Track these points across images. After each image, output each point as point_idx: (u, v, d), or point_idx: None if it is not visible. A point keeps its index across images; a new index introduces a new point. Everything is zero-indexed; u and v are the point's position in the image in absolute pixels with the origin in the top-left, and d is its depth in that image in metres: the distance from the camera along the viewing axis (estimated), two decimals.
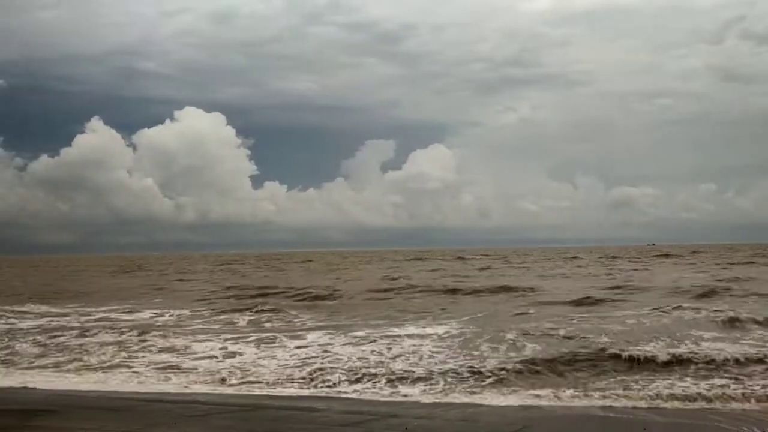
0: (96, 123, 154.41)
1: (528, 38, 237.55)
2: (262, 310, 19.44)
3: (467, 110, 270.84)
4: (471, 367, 10.32)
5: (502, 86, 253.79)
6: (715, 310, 15.51)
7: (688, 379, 9.37)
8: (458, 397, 8.77)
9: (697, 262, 49.42)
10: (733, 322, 14.06)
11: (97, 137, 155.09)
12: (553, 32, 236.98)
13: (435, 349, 11.93)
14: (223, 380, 10.14)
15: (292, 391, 9.44)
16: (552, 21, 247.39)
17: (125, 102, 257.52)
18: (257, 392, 9.38)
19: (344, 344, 12.74)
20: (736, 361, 10.18)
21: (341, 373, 10.23)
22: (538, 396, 8.75)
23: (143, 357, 12.26)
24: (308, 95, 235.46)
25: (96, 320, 18.46)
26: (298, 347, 12.69)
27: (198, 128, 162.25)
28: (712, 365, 10.01)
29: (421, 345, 12.39)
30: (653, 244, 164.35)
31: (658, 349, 11.02)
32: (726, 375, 9.53)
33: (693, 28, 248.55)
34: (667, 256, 62.47)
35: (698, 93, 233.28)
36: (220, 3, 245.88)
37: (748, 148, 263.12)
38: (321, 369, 10.50)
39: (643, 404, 8.21)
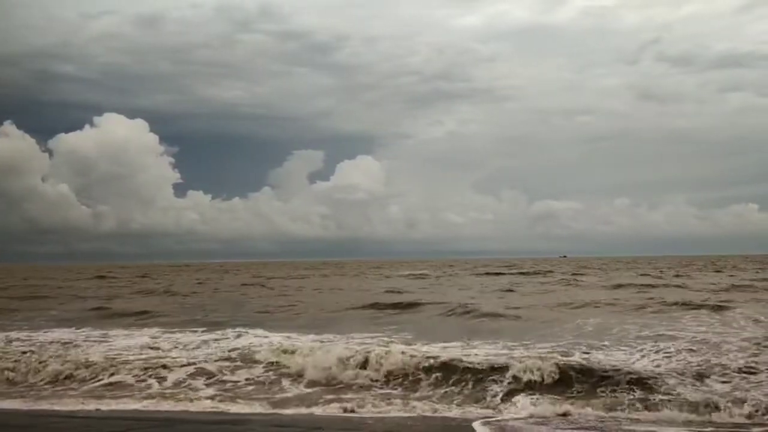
0: (8, 127, 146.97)
1: (458, 53, 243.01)
2: None
3: (397, 122, 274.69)
4: None
5: (431, 99, 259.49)
6: None
7: None
8: None
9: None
10: None
11: (9, 142, 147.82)
12: (483, 48, 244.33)
13: None
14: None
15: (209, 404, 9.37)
16: (482, 37, 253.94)
17: (42, 106, 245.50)
18: (178, 407, 9.31)
19: None
20: None
21: None
22: None
23: None
24: (236, 103, 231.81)
25: None
26: None
27: (119, 135, 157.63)
28: None
29: None
30: (564, 256, 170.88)
31: None
32: None
33: (613, 48, 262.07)
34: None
35: (616, 111, 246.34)
36: (146, 7, 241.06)
37: (660, 164, 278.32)
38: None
39: None
